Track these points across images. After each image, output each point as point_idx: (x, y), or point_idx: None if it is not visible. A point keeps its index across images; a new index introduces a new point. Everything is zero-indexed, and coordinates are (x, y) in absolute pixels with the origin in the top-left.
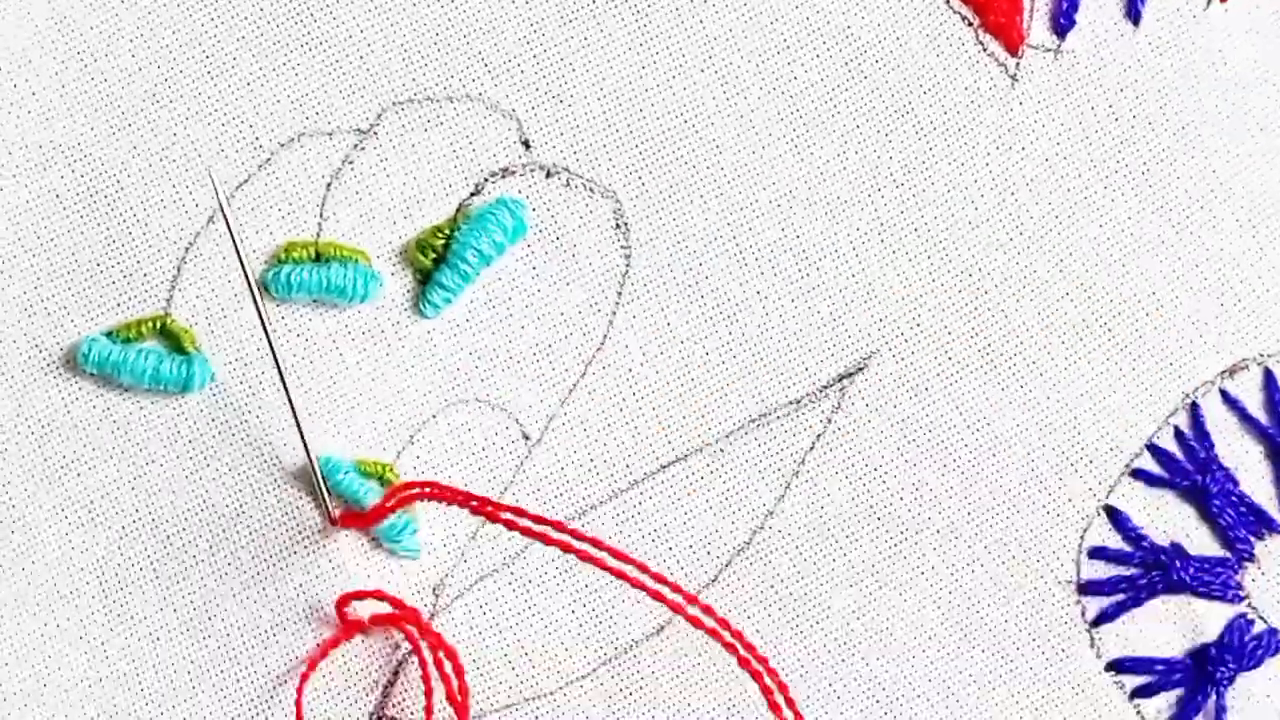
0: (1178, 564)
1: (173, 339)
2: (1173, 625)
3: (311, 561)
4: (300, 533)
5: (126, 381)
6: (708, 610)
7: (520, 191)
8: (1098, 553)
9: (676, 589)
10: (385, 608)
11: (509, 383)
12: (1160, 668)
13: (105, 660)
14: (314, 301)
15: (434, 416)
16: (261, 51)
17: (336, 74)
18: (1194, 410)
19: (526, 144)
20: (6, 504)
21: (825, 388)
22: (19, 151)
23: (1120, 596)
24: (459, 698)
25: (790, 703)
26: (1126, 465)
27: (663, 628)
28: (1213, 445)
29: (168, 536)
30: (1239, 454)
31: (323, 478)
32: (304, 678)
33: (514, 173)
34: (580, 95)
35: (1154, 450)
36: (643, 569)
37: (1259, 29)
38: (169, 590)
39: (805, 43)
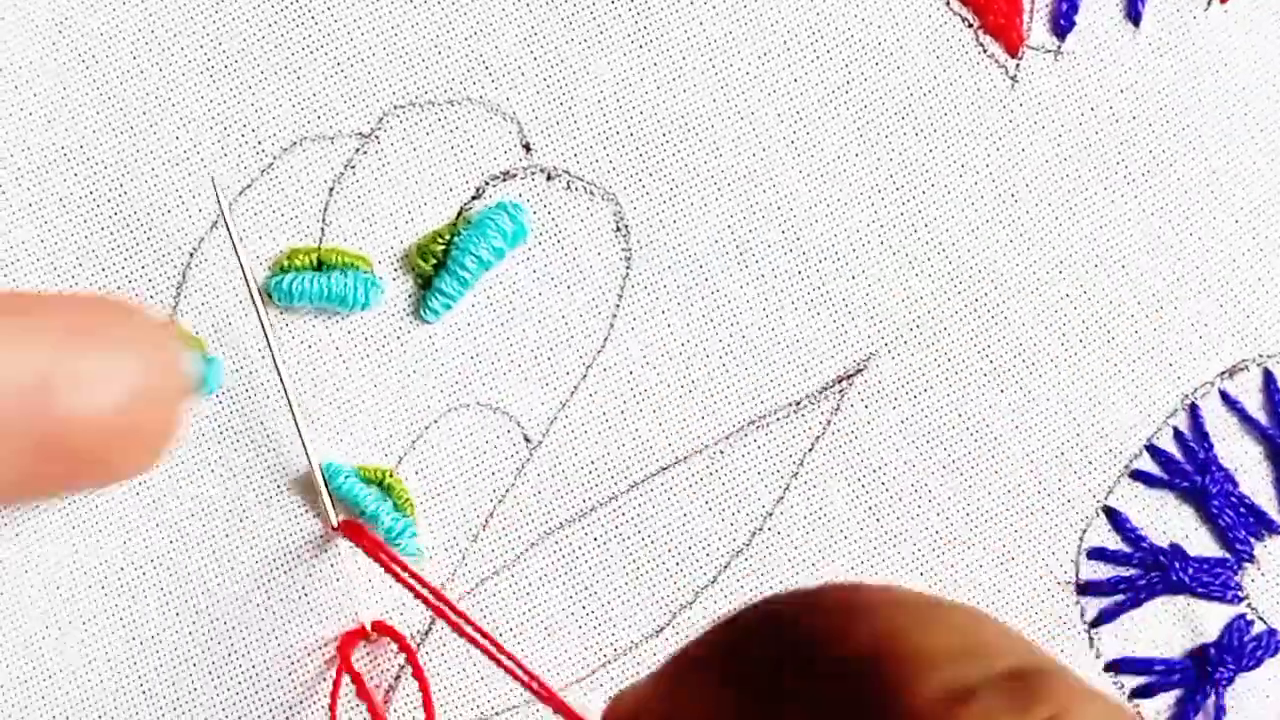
0: (1177, 565)
1: None
2: (1172, 626)
3: (313, 566)
4: (302, 537)
5: None
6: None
7: (521, 195)
8: (1097, 553)
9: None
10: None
11: (510, 386)
12: (1159, 668)
13: (106, 663)
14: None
15: (436, 421)
16: (263, 55)
17: (338, 77)
18: (1193, 411)
19: (527, 147)
20: (11, 509)
21: (824, 389)
22: (21, 155)
23: (1119, 597)
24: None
25: None
26: (1126, 466)
27: (662, 629)
28: (1212, 446)
29: (169, 541)
30: (1239, 455)
31: (325, 483)
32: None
33: (515, 176)
34: (581, 98)
35: (1153, 451)
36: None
37: (1259, 29)
38: (170, 594)
39: (805, 45)
